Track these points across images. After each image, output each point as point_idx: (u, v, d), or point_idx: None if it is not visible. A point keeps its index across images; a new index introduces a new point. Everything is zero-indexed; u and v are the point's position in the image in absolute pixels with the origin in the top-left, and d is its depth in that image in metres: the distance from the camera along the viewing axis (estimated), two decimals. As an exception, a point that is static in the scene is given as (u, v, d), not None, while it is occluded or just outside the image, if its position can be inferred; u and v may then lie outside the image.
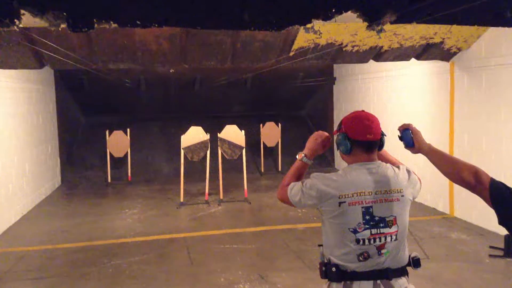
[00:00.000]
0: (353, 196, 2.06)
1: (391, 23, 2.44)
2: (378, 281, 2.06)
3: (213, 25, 2.27)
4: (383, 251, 2.07)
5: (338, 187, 2.08)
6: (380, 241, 2.07)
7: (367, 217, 2.06)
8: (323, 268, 2.15)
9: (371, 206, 2.07)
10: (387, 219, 2.08)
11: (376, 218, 2.07)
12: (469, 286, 4.49)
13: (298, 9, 2.20)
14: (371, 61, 6.73)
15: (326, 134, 2.37)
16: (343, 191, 2.07)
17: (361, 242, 2.06)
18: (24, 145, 7.82)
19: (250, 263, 5.24)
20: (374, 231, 2.06)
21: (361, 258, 2.06)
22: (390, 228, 2.08)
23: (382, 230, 2.07)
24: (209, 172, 8.09)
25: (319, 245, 2.25)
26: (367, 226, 2.06)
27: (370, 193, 2.07)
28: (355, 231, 2.06)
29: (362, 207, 2.06)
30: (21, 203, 7.46)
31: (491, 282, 4.56)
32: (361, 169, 2.12)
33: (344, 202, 2.06)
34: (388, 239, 2.08)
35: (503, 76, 5.81)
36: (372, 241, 2.06)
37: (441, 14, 2.35)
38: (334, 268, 2.09)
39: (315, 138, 2.36)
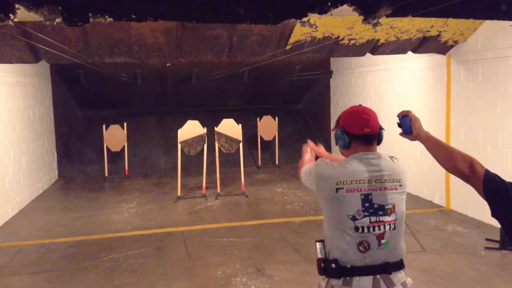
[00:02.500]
0: (351, 183, 2.08)
1: (387, 16, 2.44)
2: (378, 276, 2.06)
3: (209, 18, 2.26)
4: (382, 241, 2.07)
5: (335, 173, 2.11)
6: (379, 229, 2.07)
7: (367, 204, 2.07)
8: (322, 265, 2.13)
9: (370, 194, 2.08)
10: (386, 207, 2.09)
11: (375, 206, 2.08)
12: (465, 278, 4.52)
13: (293, 2, 2.20)
14: (368, 54, 6.73)
15: (308, 143, 2.58)
16: (341, 178, 2.09)
17: (360, 230, 2.06)
18: (20, 140, 7.81)
19: (247, 256, 5.26)
20: (373, 218, 2.07)
21: (361, 248, 2.06)
22: (389, 216, 2.09)
23: (381, 218, 2.07)
24: (206, 166, 8.10)
25: (316, 241, 2.23)
26: (366, 214, 2.06)
27: (370, 181, 2.09)
28: (354, 218, 2.06)
29: (361, 194, 2.07)
30: (18, 198, 7.46)
31: (487, 274, 4.59)
32: (361, 158, 2.14)
33: (342, 188, 2.07)
34: (387, 227, 2.08)
35: (499, 69, 5.82)
36: (371, 229, 2.06)
37: (436, 8, 2.35)
38: (333, 264, 2.09)
39: (308, 152, 2.55)
